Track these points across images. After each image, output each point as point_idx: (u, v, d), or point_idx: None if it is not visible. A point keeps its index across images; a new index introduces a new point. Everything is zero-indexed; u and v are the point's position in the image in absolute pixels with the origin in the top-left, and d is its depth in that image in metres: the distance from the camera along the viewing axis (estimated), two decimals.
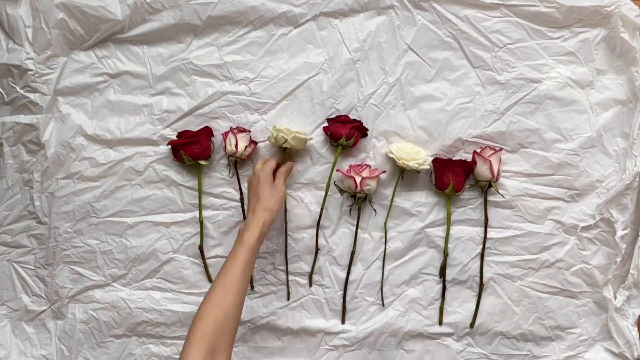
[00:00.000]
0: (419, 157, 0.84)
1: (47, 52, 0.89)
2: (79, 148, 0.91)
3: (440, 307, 0.89)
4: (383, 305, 0.90)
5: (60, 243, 0.92)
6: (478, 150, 0.86)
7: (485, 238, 0.88)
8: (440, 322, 0.89)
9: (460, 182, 0.85)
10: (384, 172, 0.87)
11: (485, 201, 0.87)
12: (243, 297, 0.72)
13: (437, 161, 0.86)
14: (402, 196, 0.89)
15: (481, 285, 0.88)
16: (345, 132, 0.85)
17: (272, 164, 0.84)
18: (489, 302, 0.89)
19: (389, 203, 0.89)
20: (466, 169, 0.86)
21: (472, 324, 0.89)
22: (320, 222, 0.90)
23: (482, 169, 0.85)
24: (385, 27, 0.87)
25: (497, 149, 0.86)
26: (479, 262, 0.88)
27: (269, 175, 0.82)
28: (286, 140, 0.84)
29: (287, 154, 0.88)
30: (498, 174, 0.85)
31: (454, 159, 0.87)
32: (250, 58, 0.89)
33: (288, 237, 0.91)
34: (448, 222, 0.87)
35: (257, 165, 0.84)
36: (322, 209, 0.89)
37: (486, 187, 0.86)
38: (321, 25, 0.88)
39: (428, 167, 0.85)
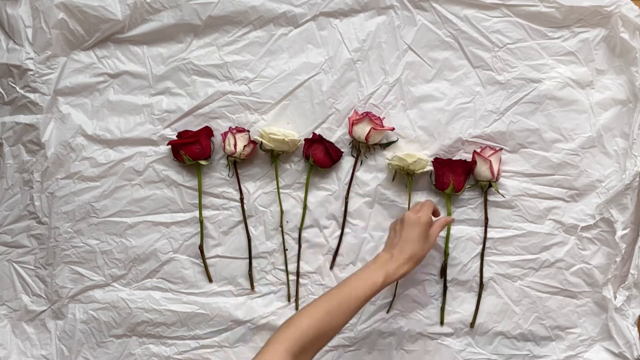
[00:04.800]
0: (421, 165, 0.85)
1: (47, 52, 0.89)
2: (79, 148, 0.91)
3: (441, 307, 0.89)
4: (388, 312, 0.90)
5: (60, 243, 0.92)
6: (478, 150, 0.86)
7: (485, 238, 0.88)
8: (442, 323, 0.89)
9: (460, 182, 0.85)
10: (392, 128, 0.87)
11: (486, 201, 0.87)
12: (342, 326, 0.69)
13: (437, 161, 0.86)
14: (402, 196, 0.89)
15: (481, 285, 0.88)
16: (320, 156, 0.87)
17: (429, 211, 0.78)
18: (489, 302, 0.89)
19: (389, 203, 0.89)
20: (466, 169, 0.86)
21: (472, 324, 0.89)
22: (321, 222, 0.90)
23: (482, 169, 0.85)
24: (385, 27, 0.87)
25: (497, 149, 0.86)
26: (479, 262, 0.88)
27: (427, 224, 0.76)
28: (271, 149, 0.86)
29: (275, 155, 0.88)
30: (498, 174, 0.85)
31: (454, 158, 0.87)
32: (250, 58, 0.89)
33: (288, 237, 0.91)
34: (448, 229, 0.87)
35: (413, 213, 0.77)
36: (304, 209, 0.89)
37: (486, 187, 0.86)
38: (321, 25, 0.88)
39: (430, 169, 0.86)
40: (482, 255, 0.88)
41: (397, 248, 0.75)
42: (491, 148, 0.86)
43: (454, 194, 0.87)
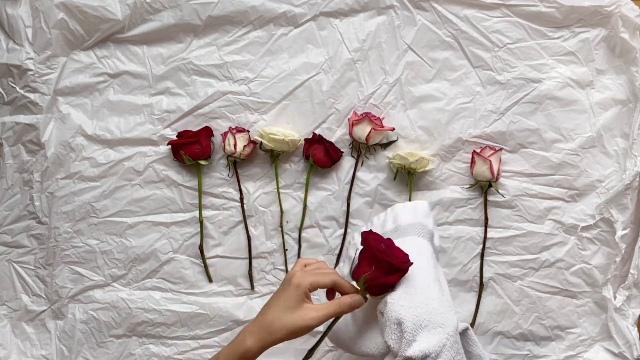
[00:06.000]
0: (423, 164, 0.85)
1: (47, 52, 0.89)
2: (79, 148, 0.91)
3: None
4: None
5: (60, 243, 0.92)
6: (478, 150, 0.86)
7: (485, 238, 0.88)
8: None
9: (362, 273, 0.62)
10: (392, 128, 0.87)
11: (485, 201, 0.87)
12: None
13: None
14: (402, 196, 0.89)
15: (481, 285, 0.88)
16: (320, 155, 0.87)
17: (317, 277, 0.58)
18: (489, 302, 0.89)
19: (389, 203, 0.89)
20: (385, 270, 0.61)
21: (472, 324, 0.89)
22: (321, 222, 0.90)
23: (482, 169, 0.85)
24: (385, 27, 0.87)
25: (496, 149, 0.86)
26: (479, 262, 0.88)
27: (304, 289, 0.56)
28: (271, 149, 0.86)
29: (275, 155, 0.88)
30: (498, 174, 0.85)
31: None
32: (250, 58, 0.89)
33: (288, 237, 0.91)
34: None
35: (299, 266, 0.61)
36: (304, 209, 0.89)
37: (486, 187, 0.86)
38: (321, 25, 0.88)
39: (433, 166, 0.87)
40: (482, 255, 0.88)
41: (258, 315, 0.58)
42: (491, 148, 0.86)
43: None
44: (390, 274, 0.60)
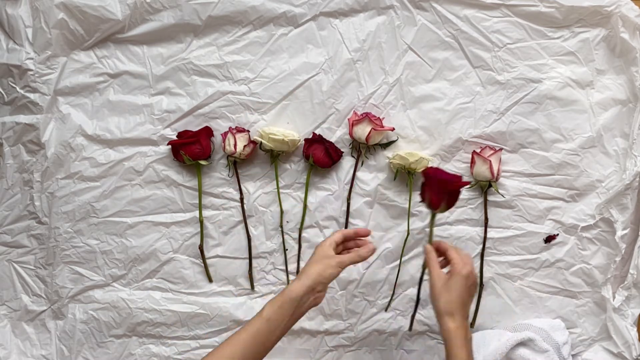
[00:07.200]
0: (423, 164, 0.85)
1: (47, 52, 0.88)
2: (79, 148, 0.91)
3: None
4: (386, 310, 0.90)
5: (60, 243, 0.92)
6: (478, 151, 0.86)
7: (485, 238, 0.88)
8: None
9: (437, 202, 0.72)
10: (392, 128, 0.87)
11: (485, 201, 0.87)
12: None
13: (424, 173, 0.74)
14: (402, 196, 0.89)
15: (481, 285, 0.88)
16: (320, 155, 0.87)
17: (334, 236, 0.74)
18: (489, 302, 0.89)
19: (389, 203, 0.89)
20: (446, 189, 0.71)
21: (472, 324, 0.89)
22: (321, 222, 0.90)
23: (482, 169, 0.85)
24: (385, 27, 0.87)
25: (497, 149, 0.86)
26: (479, 262, 0.88)
27: (328, 247, 0.72)
28: (271, 149, 0.86)
29: (275, 155, 0.88)
30: (498, 174, 0.85)
31: (447, 168, 0.84)
32: (250, 58, 0.89)
33: (288, 237, 0.91)
34: (431, 234, 0.75)
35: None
36: (304, 209, 0.90)
37: (486, 187, 0.86)
38: (321, 25, 0.88)
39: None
40: (482, 255, 0.88)
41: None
42: (491, 148, 0.86)
43: (431, 211, 0.74)
44: (448, 187, 0.70)
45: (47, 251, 0.92)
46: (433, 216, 0.74)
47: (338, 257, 0.72)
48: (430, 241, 0.74)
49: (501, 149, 0.86)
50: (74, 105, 0.91)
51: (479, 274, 0.88)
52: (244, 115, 0.90)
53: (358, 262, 0.74)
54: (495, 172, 0.84)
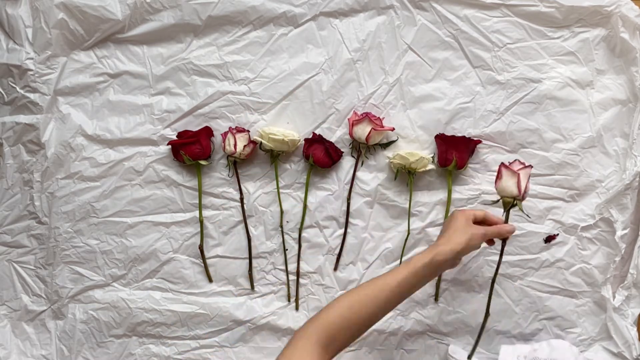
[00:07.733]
0: (423, 164, 0.85)
1: (47, 52, 0.89)
2: (79, 148, 0.91)
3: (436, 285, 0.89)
4: None
5: (60, 243, 0.92)
6: (507, 163, 0.77)
7: (502, 251, 0.84)
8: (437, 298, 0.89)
9: (463, 159, 0.85)
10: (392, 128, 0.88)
11: (507, 220, 0.78)
12: (374, 314, 0.69)
13: (440, 137, 0.86)
14: (402, 196, 0.89)
15: (492, 286, 0.82)
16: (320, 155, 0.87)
17: (474, 211, 0.77)
18: None
19: (389, 203, 0.89)
20: (469, 146, 0.86)
21: (482, 327, 0.88)
22: (321, 222, 0.90)
23: (508, 184, 0.75)
24: (385, 27, 0.87)
25: (527, 164, 0.76)
26: (479, 262, 0.88)
27: (468, 218, 0.75)
28: (271, 149, 0.86)
29: (275, 155, 0.88)
30: (525, 192, 0.75)
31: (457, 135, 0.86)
32: (250, 58, 0.89)
33: (288, 237, 0.91)
34: (449, 200, 0.87)
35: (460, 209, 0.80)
36: (304, 209, 0.90)
37: (509, 206, 0.76)
38: (321, 25, 0.88)
39: (432, 167, 0.87)
40: (494, 279, 0.81)
41: (439, 238, 0.76)
42: (520, 162, 0.76)
43: (456, 172, 0.87)
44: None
45: (47, 251, 0.92)
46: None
47: (483, 228, 0.74)
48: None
49: (531, 165, 0.76)
50: (74, 105, 0.92)
51: (479, 274, 0.88)
52: (244, 115, 0.90)
53: (498, 237, 0.77)
54: (522, 188, 0.74)
